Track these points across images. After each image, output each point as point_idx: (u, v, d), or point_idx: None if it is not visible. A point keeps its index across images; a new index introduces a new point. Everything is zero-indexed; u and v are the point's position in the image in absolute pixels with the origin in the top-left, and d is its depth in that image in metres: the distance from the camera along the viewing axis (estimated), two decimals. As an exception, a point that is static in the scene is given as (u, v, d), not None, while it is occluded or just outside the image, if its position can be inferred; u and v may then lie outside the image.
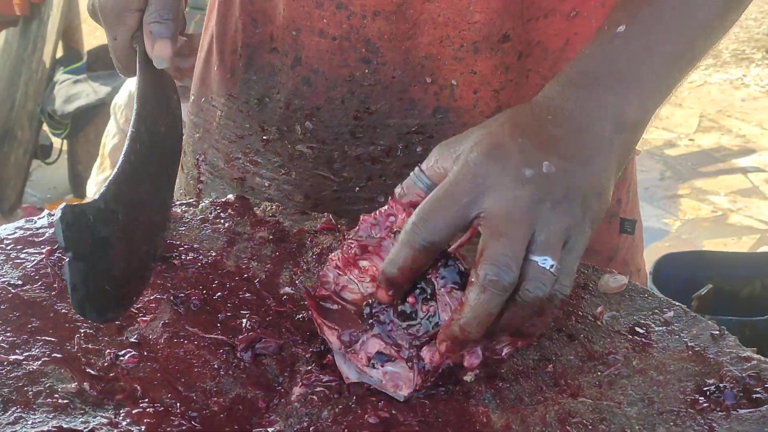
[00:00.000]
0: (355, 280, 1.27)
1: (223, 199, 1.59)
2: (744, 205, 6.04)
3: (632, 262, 1.79)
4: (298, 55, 1.61)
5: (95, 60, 6.18)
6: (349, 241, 1.27)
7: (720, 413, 1.18)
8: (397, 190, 1.26)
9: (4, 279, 1.36)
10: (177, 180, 1.80)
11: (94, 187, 4.97)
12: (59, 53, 6.29)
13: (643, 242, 1.85)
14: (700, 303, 3.62)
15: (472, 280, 1.14)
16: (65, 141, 6.05)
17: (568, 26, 1.57)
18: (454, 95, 1.56)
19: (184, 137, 1.83)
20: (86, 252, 1.17)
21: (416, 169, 1.25)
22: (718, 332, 1.31)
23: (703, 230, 5.74)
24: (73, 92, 5.87)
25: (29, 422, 1.12)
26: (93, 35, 8.99)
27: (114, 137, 4.82)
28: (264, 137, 1.69)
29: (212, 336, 1.29)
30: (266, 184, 1.71)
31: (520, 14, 1.54)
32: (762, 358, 1.26)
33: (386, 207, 1.26)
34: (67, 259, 1.14)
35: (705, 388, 1.21)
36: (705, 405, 1.19)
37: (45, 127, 6.10)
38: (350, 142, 1.62)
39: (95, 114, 5.70)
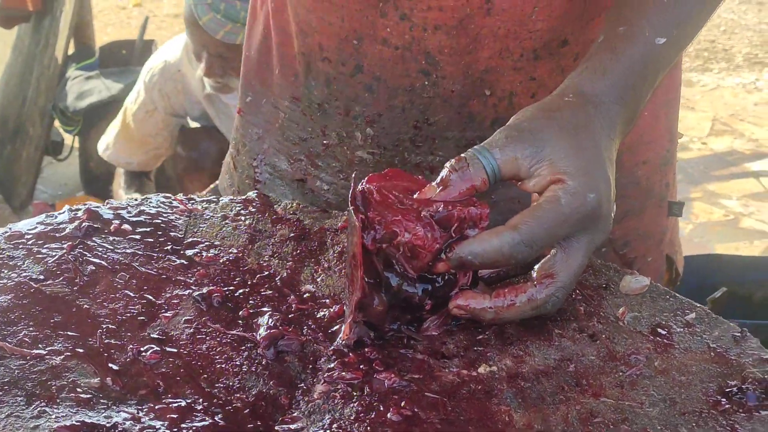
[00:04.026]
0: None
1: (244, 197, 1.60)
2: (756, 209, 6.03)
3: (676, 241, 1.87)
4: (360, 63, 1.62)
5: (107, 56, 6.18)
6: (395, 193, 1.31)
7: (742, 415, 1.18)
8: (458, 165, 1.30)
9: (26, 274, 1.37)
10: (228, 177, 1.82)
11: (115, 153, 4.91)
12: (71, 49, 6.29)
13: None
14: (714, 306, 3.60)
15: (536, 296, 1.29)
16: (77, 137, 6.04)
17: None
18: (512, 104, 1.57)
19: (237, 136, 1.85)
20: None
21: (486, 154, 1.30)
22: (739, 334, 1.31)
23: (714, 234, 5.73)
24: (86, 89, 5.86)
25: (53, 416, 1.12)
26: (104, 32, 9.02)
27: (141, 108, 4.77)
28: (324, 141, 1.70)
29: (234, 332, 1.29)
30: (325, 188, 1.72)
31: (581, 16, 1.55)
32: (784, 361, 1.26)
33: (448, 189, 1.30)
34: None
35: (727, 390, 1.21)
36: (727, 406, 1.19)
37: (56, 123, 6.09)
38: (410, 149, 1.63)
39: (107, 111, 5.67)
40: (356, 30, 1.61)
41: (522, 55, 1.56)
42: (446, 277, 1.31)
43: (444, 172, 1.30)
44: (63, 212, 1.51)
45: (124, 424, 1.12)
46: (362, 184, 1.31)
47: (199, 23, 4.14)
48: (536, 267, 1.30)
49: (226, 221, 1.53)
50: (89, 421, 1.12)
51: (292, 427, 1.16)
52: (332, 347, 1.28)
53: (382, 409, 1.17)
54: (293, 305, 1.36)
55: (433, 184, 1.30)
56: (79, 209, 1.51)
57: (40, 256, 1.41)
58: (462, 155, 1.30)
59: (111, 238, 1.46)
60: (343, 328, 1.30)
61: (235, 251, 1.47)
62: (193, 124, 5.13)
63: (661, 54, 1.39)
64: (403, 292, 1.29)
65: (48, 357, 1.21)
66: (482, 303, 1.29)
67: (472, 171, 1.29)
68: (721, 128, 7.44)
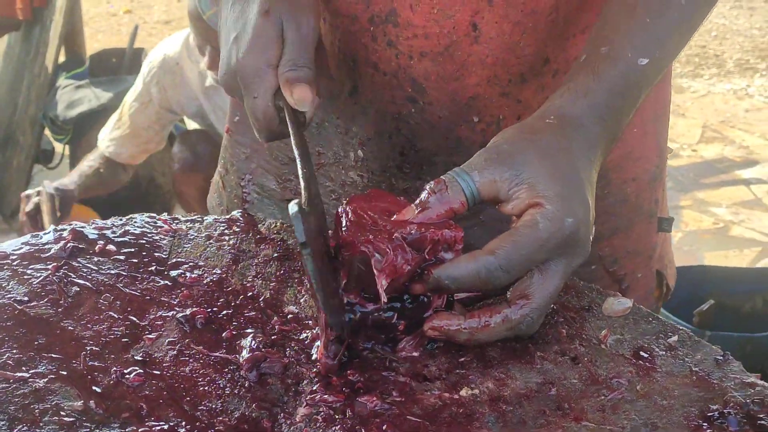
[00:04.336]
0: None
1: (228, 216, 1.60)
2: (746, 217, 6.03)
3: (666, 256, 1.86)
4: (355, 84, 1.63)
5: (97, 65, 6.18)
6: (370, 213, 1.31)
7: (724, 439, 1.18)
8: (437, 187, 1.30)
9: (11, 295, 1.37)
10: (217, 197, 1.81)
11: (108, 142, 4.93)
12: (61, 58, 6.30)
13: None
14: (702, 318, 3.61)
15: (511, 316, 1.28)
16: (67, 146, 6.04)
17: None
18: (500, 128, 1.55)
19: (225, 155, 1.84)
20: None
21: (465, 176, 1.30)
22: (722, 357, 1.31)
23: (704, 242, 5.73)
24: (76, 98, 5.87)
25: (35, 440, 1.12)
26: (95, 39, 9.01)
27: (137, 100, 4.83)
28: (320, 161, 1.70)
29: (217, 354, 1.29)
30: None
31: (561, 35, 1.55)
32: (766, 385, 1.26)
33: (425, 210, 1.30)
34: None
35: (709, 414, 1.21)
36: (709, 431, 1.18)
37: (47, 132, 6.09)
38: (397, 175, 1.63)
39: (97, 119, 5.66)
40: (351, 52, 1.61)
41: (510, 80, 1.56)
42: (419, 299, 1.31)
43: (423, 195, 1.31)
44: (48, 232, 1.51)
45: (107, 448, 1.13)
46: (343, 206, 1.31)
47: (203, 17, 4.21)
48: (512, 287, 1.30)
49: (210, 241, 1.53)
50: (72, 445, 1.12)
51: (274, 451, 1.16)
52: (315, 369, 1.28)
53: (363, 432, 1.17)
54: (276, 327, 1.36)
55: (413, 205, 1.31)
56: (64, 229, 1.51)
57: (25, 277, 1.41)
58: (441, 177, 1.30)
59: (96, 259, 1.46)
60: (318, 348, 1.30)
61: (219, 272, 1.47)
62: (188, 123, 5.16)
63: (643, 74, 1.39)
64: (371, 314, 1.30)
65: (31, 380, 1.21)
66: (456, 324, 1.30)
67: (451, 193, 1.29)
68: (712, 135, 7.45)
